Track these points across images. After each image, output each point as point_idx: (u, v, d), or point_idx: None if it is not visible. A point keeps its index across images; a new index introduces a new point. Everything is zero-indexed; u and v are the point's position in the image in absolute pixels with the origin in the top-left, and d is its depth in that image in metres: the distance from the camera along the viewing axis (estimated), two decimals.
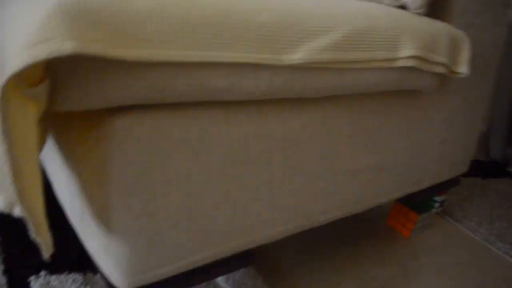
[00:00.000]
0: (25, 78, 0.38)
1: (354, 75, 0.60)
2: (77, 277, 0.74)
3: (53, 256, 0.79)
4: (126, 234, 0.50)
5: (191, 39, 0.44)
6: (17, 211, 0.45)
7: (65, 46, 0.36)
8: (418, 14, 0.71)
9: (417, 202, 1.05)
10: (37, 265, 0.76)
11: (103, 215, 0.49)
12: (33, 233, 0.44)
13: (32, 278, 0.73)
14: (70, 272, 0.75)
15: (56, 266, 0.76)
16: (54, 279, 0.73)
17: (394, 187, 0.83)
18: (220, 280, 0.79)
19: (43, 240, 0.45)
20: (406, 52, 0.63)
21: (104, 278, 0.59)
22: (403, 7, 0.73)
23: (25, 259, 0.78)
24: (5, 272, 0.74)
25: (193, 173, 0.52)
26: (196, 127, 0.51)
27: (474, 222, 1.19)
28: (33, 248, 0.81)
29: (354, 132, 0.69)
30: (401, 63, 0.64)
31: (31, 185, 0.43)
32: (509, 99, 1.48)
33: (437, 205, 1.06)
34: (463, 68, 0.75)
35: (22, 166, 0.41)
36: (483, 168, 1.54)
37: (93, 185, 0.49)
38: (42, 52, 0.35)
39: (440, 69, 0.71)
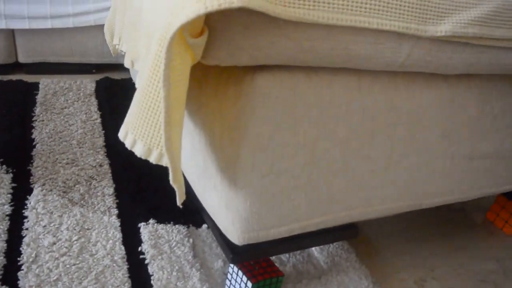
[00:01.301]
0: (189, 29, 0.39)
1: (494, 53, 0.56)
2: (182, 229, 0.79)
3: (160, 206, 0.84)
4: (250, 191, 0.52)
5: (342, 3, 0.43)
6: (154, 158, 0.48)
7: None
8: None
9: None
10: (146, 213, 0.81)
11: (230, 171, 0.51)
12: (171, 179, 0.47)
13: (142, 224, 0.79)
14: (175, 224, 0.80)
15: (163, 216, 0.81)
16: (161, 228, 0.78)
17: (509, 179, 0.78)
18: (314, 250, 0.79)
19: (179, 186, 0.48)
20: None
21: (217, 232, 0.62)
22: None
23: (136, 206, 0.84)
24: (119, 216, 0.80)
25: (319, 138, 0.52)
26: (329, 92, 0.50)
27: None
28: (143, 197, 0.87)
29: (479, 115, 0.65)
30: None
31: (176, 133, 0.45)
32: None
33: None
34: None
35: (173, 113, 0.43)
36: None
37: (224, 140, 0.51)
38: (214, 3, 0.36)
39: None
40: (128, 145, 0.50)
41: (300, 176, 0.53)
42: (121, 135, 0.51)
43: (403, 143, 0.59)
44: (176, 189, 0.48)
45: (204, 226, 0.82)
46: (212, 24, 0.41)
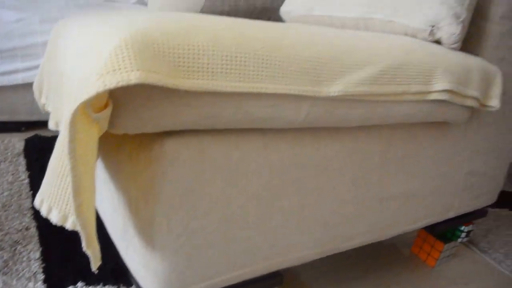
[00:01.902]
0: (93, 104, 0.42)
1: (387, 107, 0.62)
2: None
3: (89, 267, 0.82)
4: (166, 251, 0.53)
5: (240, 71, 0.47)
6: (70, 224, 0.49)
7: (132, 76, 0.40)
8: (453, 48, 0.74)
9: (443, 231, 1.05)
10: (74, 276, 0.79)
11: (146, 232, 0.52)
12: (84, 245, 0.47)
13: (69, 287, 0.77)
14: (105, 285, 0.78)
15: (92, 278, 0.79)
16: None
17: (421, 216, 0.84)
18: None
19: (93, 252, 0.48)
20: (439, 86, 0.66)
21: None
22: (438, 42, 0.75)
23: (64, 269, 0.81)
24: (45, 281, 0.78)
25: (231, 195, 0.55)
26: (237, 152, 0.54)
27: (501, 253, 1.18)
28: (71, 259, 0.84)
29: (384, 161, 0.71)
30: (433, 97, 0.66)
31: (87, 200, 0.46)
32: None
33: (463, 235, 1.05)
34: (494, 102, 0.76)
35: (82, 182, 0.44)
36: (511, 200, 1.52)
37: (140, 202, 0.52)
38: (112, 81, 0.39)
39: (471, 103, 0.73)
40: (43, 212, 0.50)
41: (216, 233, 0.55)
42: (36, 203, 0.51)
43: (313, 194, 0.63)
44: (89, 255, 0.48)
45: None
46: (116, 96, 0.44)
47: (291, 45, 0.51)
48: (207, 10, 0.95)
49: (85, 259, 0.85)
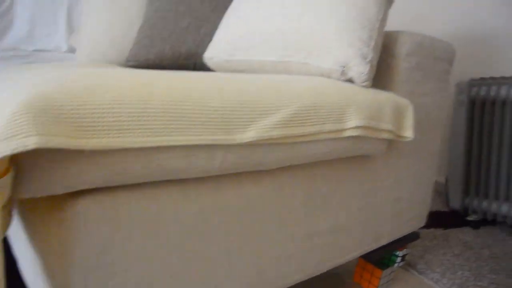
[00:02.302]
0: None
1: (304, 147, 0.65)
2: None
3: None
4: None
5: (147, 127, 0.48)
6: None
7: (29, 142, 0.39)
8: (364, 86, 0.79)
9: (379, 258, 1.08)
10: None
11: None
12: None
13: None
14: None
15: None
16: None
17: (352, 247, 0.87)
18: None
19: None
20: (352, 123, 0.69)
21: None
22: (350, 80, 0.80)
23: None
24: None
25: (152, 248, 0.54)
26: (154, 205, 0.53)
27: (437, 273, 1.22)
28: None
29: (308, 198, 0.73)
30: (348, 133, 0.69)
31: None
32: (463, 152, 1.57)
33: (399, 259, 1.09)
34: (408, 132, 0.81)
35: None
36: (444, 219, 1.60)
37: (54, 265, 0.50)
38: (8, 148, 0.38)
39: (386, 135, 0.77)
40: None
41: (139, 287, 0.54)
42: None
43: (240, 238, 0.64)
44: None
45: None
46: (19, 161, 0.43)
47: (199, 97, 0.53)
48: (132, 58, 0.95)
49: None
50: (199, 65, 0.96)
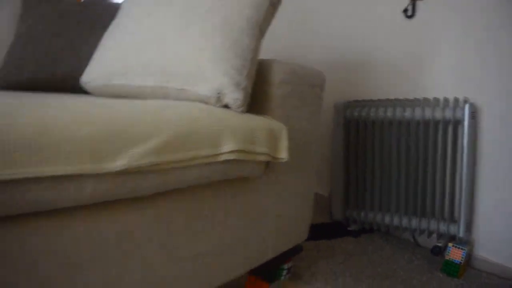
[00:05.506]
0: None
1: (179, 172, 0.67)
2: None
3: None
4: None
5: (6, 159, 0.46)
6: None
7: None
8: (240, 111, 0.83)
9: (267, 272, 1.13)
10: None
11: None
12: None
13: None
14: None
15: None
16: None
17: (238, 264, 0.90)
18: None
19: None
20: (227, 147, 0.73)
21: None
22: (226, 106, 0.84)
23: None
24: None
25: (17, 284, 0.52)
26: (17, 239, 0.51)
27: (321, 281, 1.31)
28: None
29: (189, 221, 0.75)
30: (224, 157, 0.73)
31: None
32: (343, 167, 1.72)
33: (285, 272, 1.15)
34: (283, 154, 0.88)
35: None
36: (328, 230, 1.73)
37: None
38: None
39: (262, 158, 0.82)
40: None
41: None
42: None
43: (120, 265, 0.63)
44: None
45: None
46: None
47: (65, 126, 0.52)
48: (2, 79, 0.89)
49: None
50: (77, 87, 0.93)
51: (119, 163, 0.56)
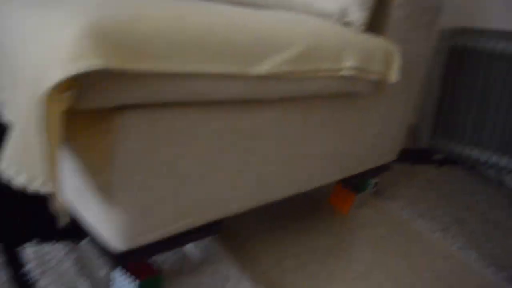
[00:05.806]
0: (57, 86, 0.49)
1: (305, 82, 0.75)
2: (64, 245, 0.85)
3: (43, 226, 0.89)
4: (125, 206, 0.63)
5: (181, 56, 0.57)
6: (35, 186, 0.57)
7: (94, 63, 0.48)
8: (360, 31, 0.88)
9: (355, 184, 1.24)
10: (26, 235, 0.86)
11: (107, 191, 0.62)
12: (53, 205, 0.56)
13: (23, 246, 0.84)
14: (57, 242, 0.86)
15: (44, 236, 0.87)
16: (44, 247, 0.84)
17: (336, 171, 1.01)
18: (188, 246, 0.93)
19: (62, 210, 0.57)
20: (347, 64, 0.79)
21: (99, 244, 0.71)
22: (348, 24, 0.88)
23: (16, 229, 0.88)
24: (0, 239, 0.84)
25: (179, 158, 0.65)
26: (182, 121, 0.64)
27: (401, 202, 1.40)
28: (24, 219, 0.91)
29: (304, 127, 0.85)
30: (343, 72, 0.79)
31: (56, 165, 0.54)
32: (437, 95, 1.70)
33: (371, 186, 1.25)
34: (394, 76, 0.92)
35: (52, 150, 0.52)
36: (412, 156, 1.77)
37: (99, 168, 0.61)
38: (77, 67, 0.47)
39: (375, 77, 0.88)
40: (11, 175, 0.57)
41: (166, 190, 0.66)
42: (2, 167, 0.58)
43: (247, 155, 0.76)
44: (58, 212, 0.57)
45: (84, 241, 0.89)
46: (78, 78, 0.51)
47: (225, 31, 0.61)
48: None
49: (35, 219, 0.92)
50: None
51: (264, 68, 0.66)
